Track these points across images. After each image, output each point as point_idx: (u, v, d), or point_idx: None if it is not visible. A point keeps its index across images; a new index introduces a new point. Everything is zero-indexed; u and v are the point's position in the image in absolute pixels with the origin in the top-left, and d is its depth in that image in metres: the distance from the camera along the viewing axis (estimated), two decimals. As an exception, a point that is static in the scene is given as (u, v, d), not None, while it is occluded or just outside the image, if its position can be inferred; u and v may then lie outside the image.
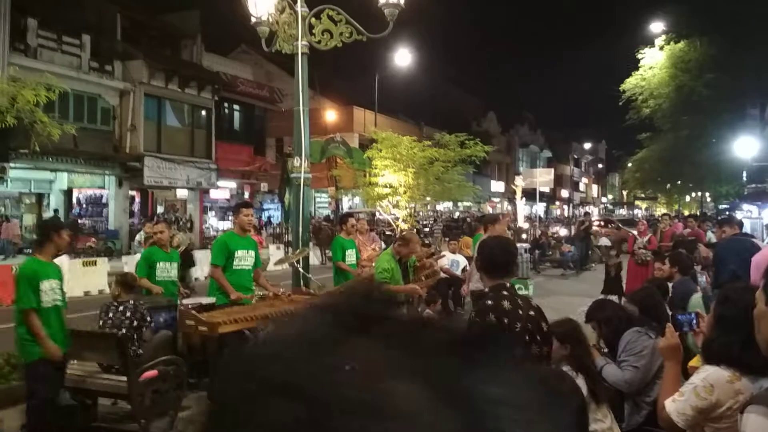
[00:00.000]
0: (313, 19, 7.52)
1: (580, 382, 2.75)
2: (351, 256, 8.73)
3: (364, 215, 20.55)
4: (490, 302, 2.81)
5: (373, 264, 8.92)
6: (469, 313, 2.93)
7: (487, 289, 2.97)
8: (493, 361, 0.50)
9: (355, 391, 0.44)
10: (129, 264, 13.24)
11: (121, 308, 5.79)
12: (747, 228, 12.11)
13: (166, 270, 7.18)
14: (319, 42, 7.53)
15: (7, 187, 20.90)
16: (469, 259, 11.49)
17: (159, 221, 8.79)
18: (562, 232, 26.68)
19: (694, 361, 2.81)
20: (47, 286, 4.83)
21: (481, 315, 2.78)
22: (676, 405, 2.43)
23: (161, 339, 6.26)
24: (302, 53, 7.55)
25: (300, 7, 7.49)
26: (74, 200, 24.17)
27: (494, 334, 0.76)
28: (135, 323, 5.69)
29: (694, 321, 2.90)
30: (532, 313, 2.90)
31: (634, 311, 3.95)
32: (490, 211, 43.39)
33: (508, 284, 3.01)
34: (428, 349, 0.49)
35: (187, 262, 9.70)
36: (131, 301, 5.88)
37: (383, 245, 10.10)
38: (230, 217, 26.86)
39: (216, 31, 33.24)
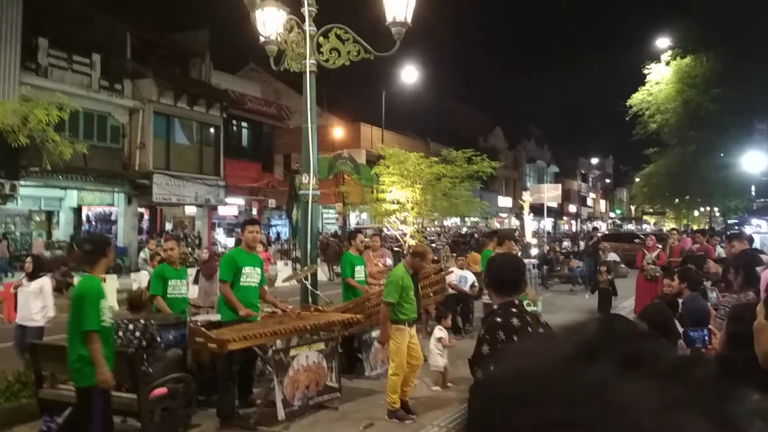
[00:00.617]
0: (321, 38, 7.60)
1: None
2: (360, 272, 8.78)
3: (372, 231, 20.57)
4: (499, 319, 2.82)
5: (382, 282, 8.93)
6: (479, 330, 2.94)
7: (496, 306, 2.98)
8: (744, 395, 0.51)
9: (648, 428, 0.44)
10: (138, 281, 13.27)
11: (131, 327, 5.78)
12: (756, 243, 12.05)
13: (177, 287, 7.22)
14: (327, 60, 7.60)
15: (18, 204, 21.06)
16: (477, 275, 11.48)
17: (169, 238, 8.82)
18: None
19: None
20: (105, 305, 4.70)
21: (491, 332, 2.79)
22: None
23: (171, 358, 6.26)
24: (310, 71, 7.62)
25: (308, 27, 7.57)
26: (83, 217, 24.32)
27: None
28: (144, 343, 5.68)
29: (707, 337, 2.89)
30: (541, 330, 2.90)
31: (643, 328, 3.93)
32: (498, 227, 43.32)
33: (516, 301, 3.01)
34: (699, 383, 0.50)
35: None
36: (142, 321, 5.86)
37: (389, 261, 10.10)
38: (236, 234, 26.99)
39: (224, 49, 33.64)
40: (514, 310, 2.91)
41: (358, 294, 8.41)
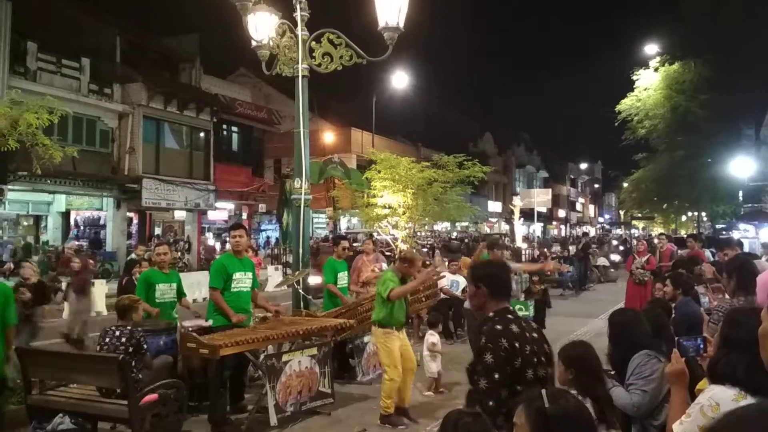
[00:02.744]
0: (313, 43, 7.59)
1: (588, 405, 2.73)
2: (343, 278, 8.68)
3: (363, 236, 20.53)
4: (499, 327, 2.78)
5: (368, 288, 8.90)
6: (480, 338, 2.87)
7: (492, 314, 2.93)
8: None
9: None
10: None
11: (117, 333, 5.71)
12: (745, 247, 12.15)
13: (166, 292, 7.17)
14: (319, 65, 7.59)
15: (5, 209, 20.89)
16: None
17: (161, 243, 8.75)
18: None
19: (702, 384, 2.81)
20: None
21: (493, 340, 2.75)
22: (683, 426, 2.42)
23: (162, 364, 6.20)
24: (302, 76, 7.61)
25: (300, 31, 7.57)
26: (72, 222, 24.16)
27: None
28: (130, 349, 5.59)
29: (701, 345, 2.88)
30: (535, 335, 2.88)
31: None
32: (488, 231, 43.41)
33: (510, 307, 2.99)
34: None
35: (37, 298, 7.84)
36: (128, 327, 5.77)
37: (384, 266, 10.07)
38: (227, 238, 26.87)
39: (215, 54, 33.69)
40: (510, 316, 2.88)
41: (338, 303, 8.29)
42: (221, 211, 28.93)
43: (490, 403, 2.59)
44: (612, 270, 23.60)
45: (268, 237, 32.08)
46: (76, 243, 21.66)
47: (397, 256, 14.03)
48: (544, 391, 1.98)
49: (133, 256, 14.69)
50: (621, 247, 30.81)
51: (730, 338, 2.46)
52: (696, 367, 3.18)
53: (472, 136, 50.86)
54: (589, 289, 20.31)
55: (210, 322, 6.61)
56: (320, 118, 31.66)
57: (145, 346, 5.76)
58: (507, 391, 2.63)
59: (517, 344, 2.70)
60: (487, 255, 9.28)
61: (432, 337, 7.72)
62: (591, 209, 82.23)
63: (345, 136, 34.00)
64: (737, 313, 2.60)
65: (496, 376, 2.65)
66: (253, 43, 7.63)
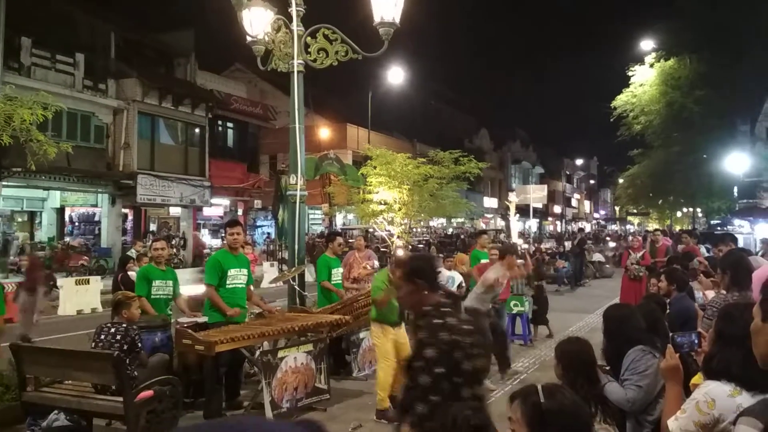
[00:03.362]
0: (308, 38, 7.57)
1: None
2: (337, 275, 8.62)
3: (359, 232, 20.55)
4: (438, 320, 2.72)
5: (358, 286, 8.88)
6: (420, 333, 2.79)
7: (429, 307, 2.86)
8: None
9: None
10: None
11: (112, 330, 5.70)
12: (740, 243, 12.18)
13: (161, 288, 7.15)
14: (314, 60, 7.57)
15: (-1, 205, 20.83)
16: (465, 276, 11.47)
17: (158, 239, 8.71)
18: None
19: (696, 379, 2.82)
20: None
21: (434, 334, 2.68)
22: (678, 422, 2.43)
23: (158, 362, 6.18)
24: (298, 71, 7.59)
25: (296, 27, 7.54)
26: (67, 218, 24.09)
27: None
28: (125, 347, 5.57)
29: (696, 341, 2.89)
30: (470, 327, 2.82)
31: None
32: (483, 227, 43.46)
33: (442, 299, 2.93)
34: None
35: None
36: (123, 325, 5.75)
37: (376, 264, 10.05)
38: (222, 234, 26.83)
39: (210, 49, 33.51)
40: (445, 309, 2.82)
41: (335, 299, 8.23)
42: (217, 208, 28.87)
43: (433, 398, 2.55)
44: (607, 266, 23.68)
45: (268, 234, 32.00)
46: (78, 239, 21.66)
47: (392, 252, 14.03)
48: (540, 387, 1.98)
49: (131, 252, 14.70)
50: (613, 243, 30.88)
51: (725, 334, 2.47)
52: (690, 363, 3.20)
53: (468, 132, 50.85)
54: (585, 285, 20.35)
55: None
56: (316, 114, 31.59)
57: (139, 344, 5.75)
58: (449, 385, 2.59)
59: (455, 337, 2.66)
60: (479, 252, 9.26)
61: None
62: (586, 205, 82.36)
63: (341, 132, 33.91)
64: (731, 309, 2.61)
65: (439, 370, 2.60)
66: (248, 39, 7.60)
